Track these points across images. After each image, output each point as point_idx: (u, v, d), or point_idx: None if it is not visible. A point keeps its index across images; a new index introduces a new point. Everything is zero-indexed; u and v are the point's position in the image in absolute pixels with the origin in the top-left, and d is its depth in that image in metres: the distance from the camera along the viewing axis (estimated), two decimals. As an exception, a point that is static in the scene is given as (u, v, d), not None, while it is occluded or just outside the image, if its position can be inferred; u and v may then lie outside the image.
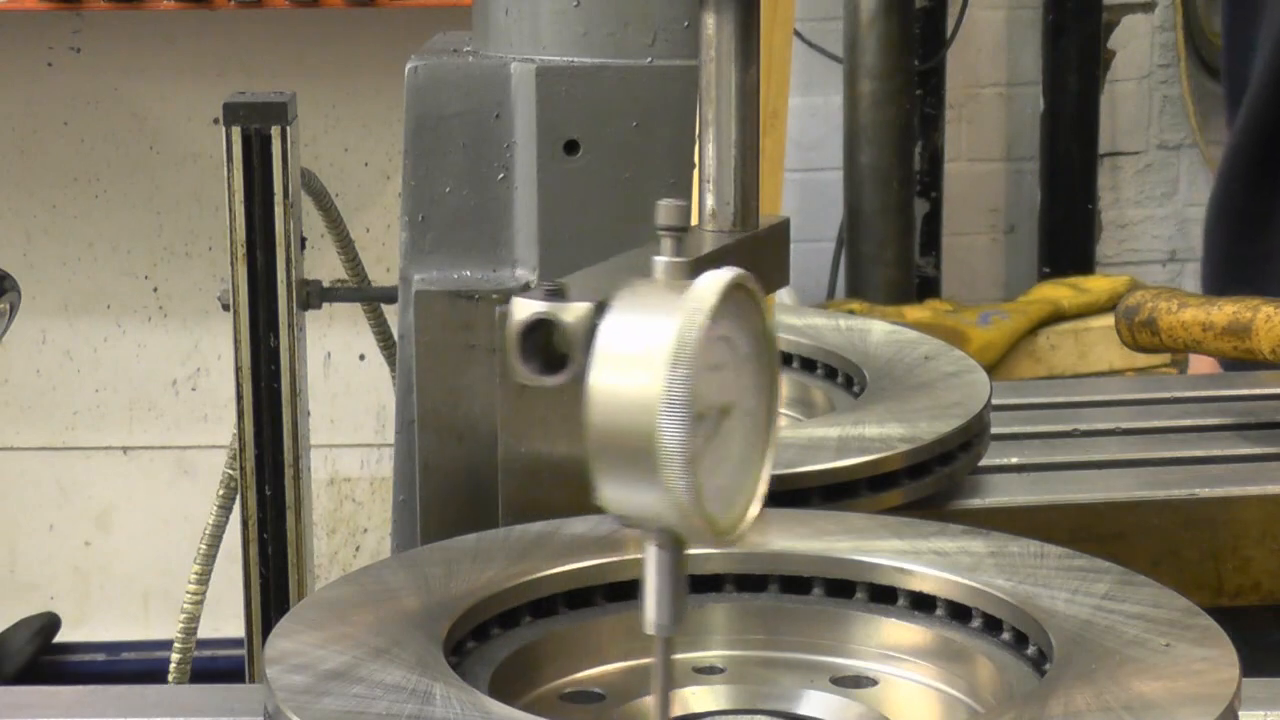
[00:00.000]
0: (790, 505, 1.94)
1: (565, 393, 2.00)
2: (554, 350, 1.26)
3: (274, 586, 2.93)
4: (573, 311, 1.25)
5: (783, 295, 2.01)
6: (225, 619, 4.08)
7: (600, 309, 1.24)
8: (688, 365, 1.20)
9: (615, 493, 1.24)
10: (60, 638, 5.10)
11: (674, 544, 1.29)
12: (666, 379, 1.19)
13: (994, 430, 2.20)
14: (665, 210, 1.27)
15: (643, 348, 1.20)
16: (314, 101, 4.79)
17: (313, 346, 3.63)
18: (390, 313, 3.16)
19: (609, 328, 1.22)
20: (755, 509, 1.31)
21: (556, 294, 1.27)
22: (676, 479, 1.21)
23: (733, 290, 1.23)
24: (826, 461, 2.02)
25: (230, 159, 2.86)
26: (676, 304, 1.21)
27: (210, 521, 3.21)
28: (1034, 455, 2.26)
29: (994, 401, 2.18)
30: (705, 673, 1.68)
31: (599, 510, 1.96)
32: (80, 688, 1.65)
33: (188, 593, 3.22)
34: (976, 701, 1.59)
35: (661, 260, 1.26)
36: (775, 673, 1.68)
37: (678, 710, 1.64)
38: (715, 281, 1.22)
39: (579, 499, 1.97)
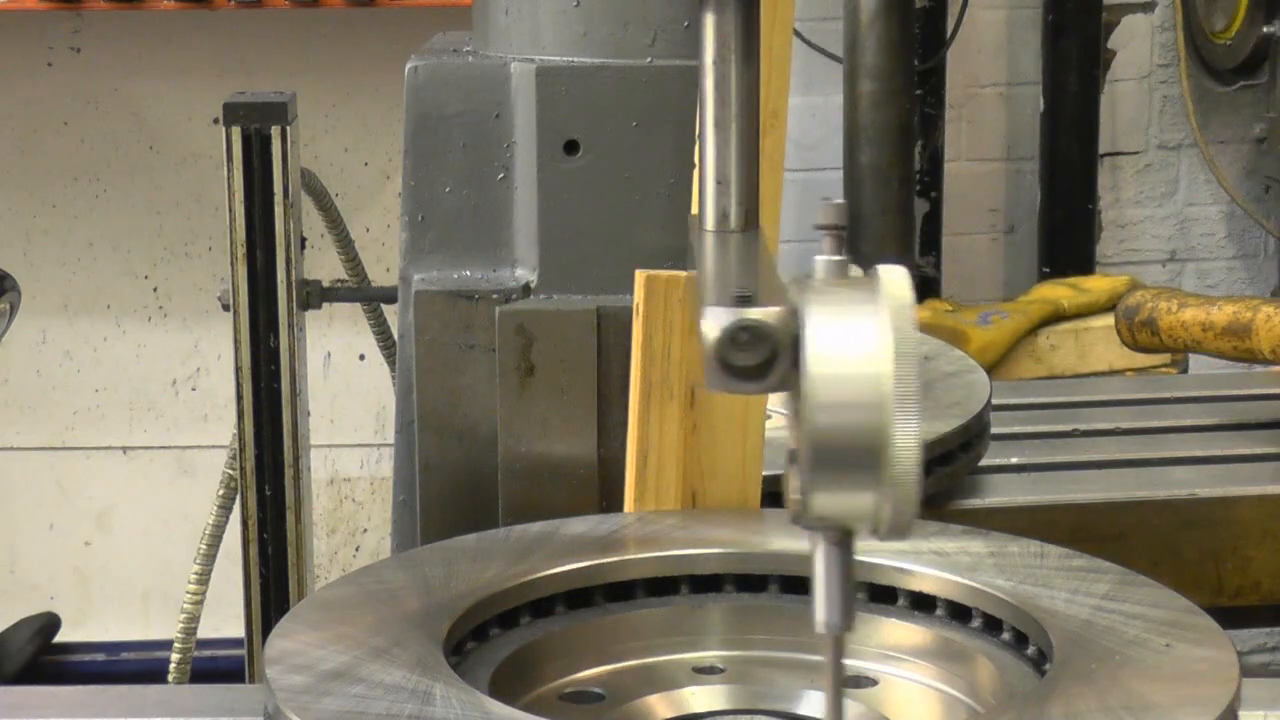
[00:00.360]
0: (790, 505, 1.94)
1: (566, 393, 2.01)
2: (752, 358, 1.24)
3: (274, 586, 2.93)
4: (775, 316, 1.22)
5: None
6: (225, 619, 4.08)
7: (793, 312, 1.23)
8: (912, 360, 1.20)
9: (830, 492, 1.22)
10: (60, 638, 5.09)
11: (844, 542, 1.27)
12: (895, 374, 1.19)
13: (994, 430, 2.20)
14: (826, 210, 1.27)
15: (862, 346, 1.20)
16: (314, 101, 4.79)
17: (313, 346, 3.63)
18: (390, 313, 3.16)
19: (817, 329, 1.21)
20: None
21: (748, 300, 1.24)
22: (908, 471, 1.21)
23: None
24: (826, 461, 2.02)
25: (230, 159, 2.86)
26: (873, 301, 1.22)
27: (210, 521, 3.21)
28: (1034, 455, 2.26)
29: (994, 401, 2.18)
30: (705, 673, 1.68)
31: (600, 510, 1.96)
32: (80, 688, 1.65)
33: (188, 593, 3.22)
34: (976, 701, 1.59)
35: (822, 259, 1.26)
36: (775, 673, 1.68)
37: (677, 710, 1.64)
38: (900, 276, 1.23)
39: (579, 499, 1.97)
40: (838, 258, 1.26)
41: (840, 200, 1.27)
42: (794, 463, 1.25)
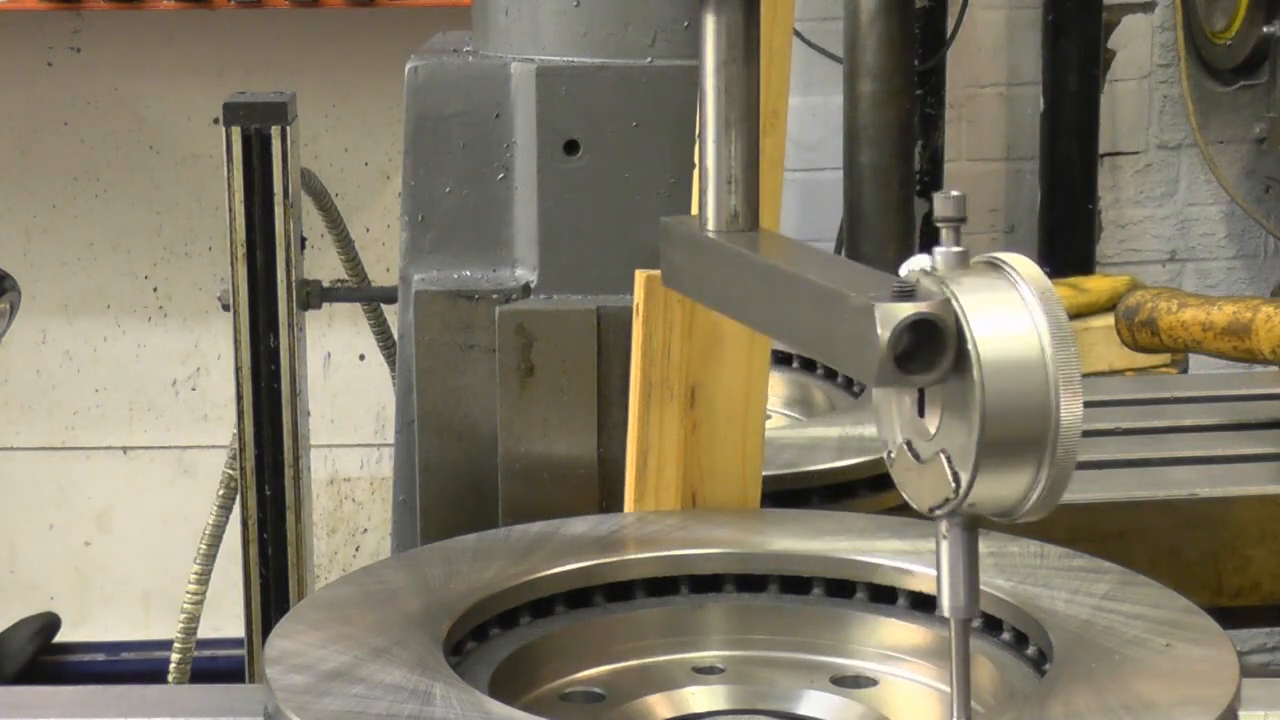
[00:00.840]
0: (790, 505, 1.94)
1: (566, 393, 2.01)
2: (925, 351, 1.24)
3: (274, 586, 2.93)
4: (942, 307, 1.24)
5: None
6: (225, 619, 4.08)
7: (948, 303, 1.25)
8: (1071, 341, 1.23)
9: (996, 476, 1.25)
10: (60, 638, 5.09)
11: (972, 529, 1.30)
12: (1059, 359, 1.23)
13: (994, 430, 2.19)
14: (944, 202, 1.29)
15: (1023, 333, 1.23)
16: (314, 101, 4.79)
17: (313, 346, 3.63)
18: (390, 313, 3.16)
19: (980, 318, 1.23)
20: None
21: (908, 294, 1.25)
22: (1069, 453, 1.24)
23: None
24: (826, 461, 2.02)
25: (230, 159, 2.86)
26: (1017, 288, 1.25)
27: (210, 521, 3.21)
28: (1034, 455, 2.25)
29: (994, 401, 2.17)
30: (705, 673, 1.68)
31: (600, 510, 1.96)
32: (80, 688, 1.65)
33: (188, 593, 3.22)
34: (976, 701, 1.59)
35: (942, 250, 1.28)
36: (775, 673, 1.68)
37: (677, 710, 1.64)
38: (1030, 263, 1.26)
39: (579, 499, 1.97)
40: (957, 249, 1.28)
41: (959, 193, 1.29)
42: (921, 456, 1.28)
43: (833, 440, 2.08)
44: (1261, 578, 2.16)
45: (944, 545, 1.30)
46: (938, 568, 1.31)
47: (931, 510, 1.28)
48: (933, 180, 4.98)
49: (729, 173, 1.52)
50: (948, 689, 1.62)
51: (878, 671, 1.66)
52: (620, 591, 1.72)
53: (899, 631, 1.67)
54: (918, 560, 1.69)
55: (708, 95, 1.52)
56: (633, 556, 1.73)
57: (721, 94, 1.52)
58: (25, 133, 4.96)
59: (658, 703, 1.64)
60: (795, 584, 1.73)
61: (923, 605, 1.68)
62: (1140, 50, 5.07)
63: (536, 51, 2.05)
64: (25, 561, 5.21)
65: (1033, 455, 1.24)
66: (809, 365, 2.40)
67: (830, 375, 2.37)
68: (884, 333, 1.23)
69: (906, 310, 1.23)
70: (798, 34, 4.87)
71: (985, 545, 1.71)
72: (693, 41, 1.79)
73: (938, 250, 1.28)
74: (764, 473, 1.87)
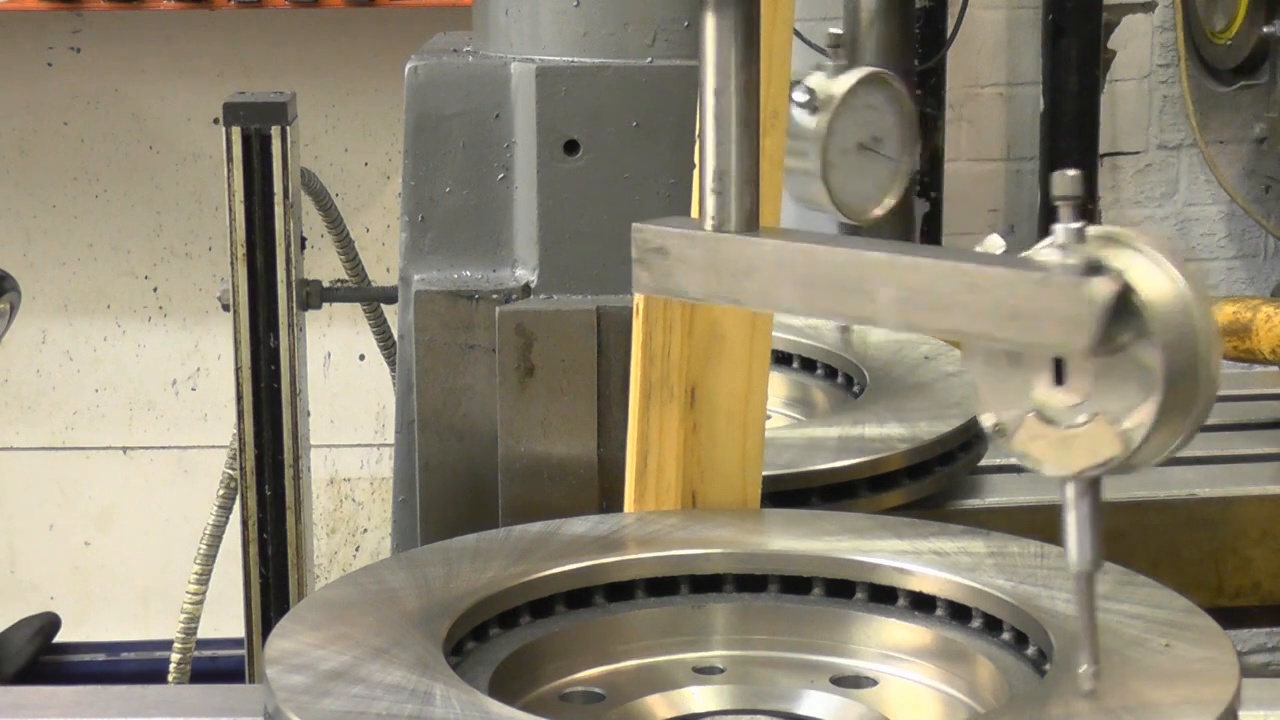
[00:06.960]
0: (790, 505, 1.94)
1: (566, 393, 2.01)
2: (1127, 321, 1.31)
3: (274, 586, 2.93)
4: (1124, 280, 1.32)
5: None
6: (225, 619, 4.08)
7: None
8: (1210, 304, 1.33)
9: (1162, 435, 1.31)
10: (60, 638, 5.09)
11: (1095, 487, 1.37)
12: (1205, 324, 1.31)
13: (994, 430, 2.19)
14: (1063, 181, 1.36)
15: (1181, 300, 1.31)
16: (314, 101, 4.79)
17: (313, 346, 3.63)
18: (390, 313, 3.16)
19: (1150, 289, 1.31)
20: None
21: (1098, 269, 1.32)
22: (1210, 405, 1.32)
23: None
24: (826, 461, 2.02)
25: (230, 159, 2.86)
26: (1161, 261, 1.33)
27: (210, 521, 3.21)
28: (1034, 455, 2.25)
29: (994, 401, 2.17)
30: (705, 673, 1.68)
31: (600, 510, 1.96)
32: (80, 688, 1.65)
33: (188, 593, 3.22)
34: (976, 701, 1.59)
35: (1062, 226, 1.34)
36: (775, 673, 1.68)
37: (677, 710, 1.64)
38: (1149, 234, 1.35)
39: (579, 499, 1.97)
40: (1075, 224, 1.34)
41: (1075, 172, 1.36)
42: (1063, 422, 1.34)
43: (833, 440, 2.08)
44: (1261, 578, 2.16)
45: (1071, 505, 1.37)
46: (1063, 526, 1.38)
47: (1082, 472, 1.35)
48: (932, 181, 4.98)
49: (729, 173, 1.52)
50: (948, 689, 1.63)
51: (878, 671, 1.66)
52: (620, 591, 1.72)
53: (899, 631, 1.67)
54: (918, 560, 1.69)
55: (708, 95, 1.52)
56: (633, 556, 1.73)
57: (721, 94, 1.52)
58: (25, 133, 4.96)
59: (658, 703, 1.64)
60: (795, 584, 1.73)
61: (923, 605, 1.68)
62: (1140, 50, 5.07)
63: (536, 51, 2.05)
64: (25, 561, 5.21)
65: (1190, 412, 1.31)
66: (809, 365, 2.40)
67: (830, 375, 2.37)
68: (1097, 305, 1.29)
69: (1111, 285, 1.30)
70: (798, 34, 4.87)
71: (985, 545, 1.72)
72: (693, 41, 1.79)
73: (1056, 226, 1.34)
74: (764, 473, 1.87)
